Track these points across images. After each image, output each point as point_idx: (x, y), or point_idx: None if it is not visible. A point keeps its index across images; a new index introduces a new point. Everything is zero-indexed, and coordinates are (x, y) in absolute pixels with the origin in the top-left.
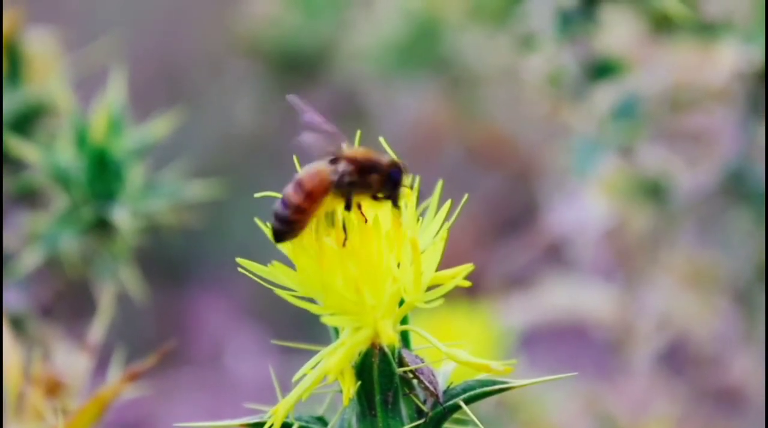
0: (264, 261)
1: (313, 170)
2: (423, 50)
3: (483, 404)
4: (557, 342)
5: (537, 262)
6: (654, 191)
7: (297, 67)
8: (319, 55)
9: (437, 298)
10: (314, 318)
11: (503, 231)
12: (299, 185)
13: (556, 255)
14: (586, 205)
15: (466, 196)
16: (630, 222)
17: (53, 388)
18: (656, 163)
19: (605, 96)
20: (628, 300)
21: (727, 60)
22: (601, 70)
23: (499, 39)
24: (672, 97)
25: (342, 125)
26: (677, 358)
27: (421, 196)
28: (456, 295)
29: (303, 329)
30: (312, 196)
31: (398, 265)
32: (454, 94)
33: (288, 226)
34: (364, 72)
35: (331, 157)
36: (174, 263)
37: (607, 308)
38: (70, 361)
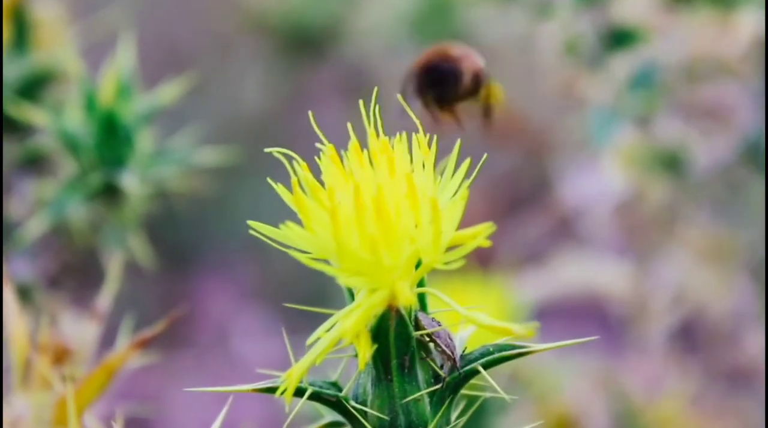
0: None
1: None
2: (435, 24)
3: (496, 377)
4: (571, 318)
5: (551, 237)
6: (671, 163)
7: (306, 44)
8: (328, 30)
9: (457, 259)
10: (320, 301)
11: (517, 207)
12: None
13: (570, 230)
14: (602, 176)
15: (483, 159)
16: (646, 195)
17: (61, 356)
18: (673, 135)
19: (622, 65)
20: (643, 275)
21: (745, 30)
22: (619, 38)
23: (512, 10)
24: (689, 67)
25: (352, 101)
26: (692, 335)
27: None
28: (470, 268)
29: (309, 312)
30: None
31: (416, 225)
32: None
33: None
34: (374, 47)
35: None
36: (180, 246)
37: (622, 283)
38: (78, 329)
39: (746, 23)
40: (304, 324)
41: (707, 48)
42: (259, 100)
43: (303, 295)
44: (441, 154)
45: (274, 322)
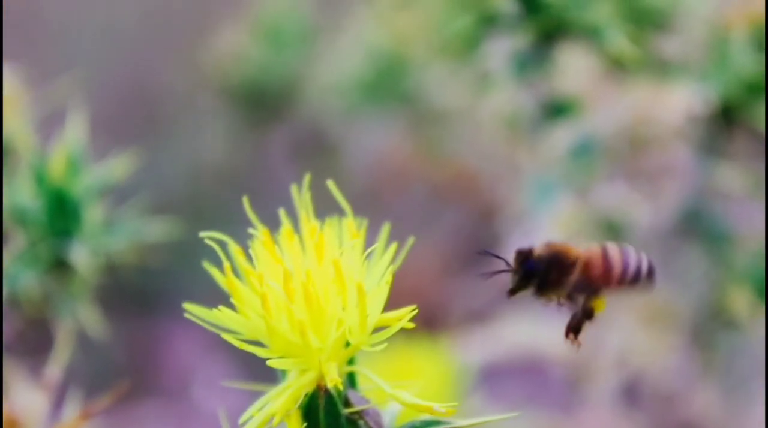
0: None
1: None
2: (388, 86)
3: None
4: (517, 379)
5: (498, 298)
6: (610, 229)
7: (263, 103)
8: (285, 90)
9: (382, 341)
10: None
11: (467, 266)
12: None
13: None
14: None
15: (410, 242)
16: None
17: (11, 427)
18: (613, 202)
19: (561, 135)
20: (587, 336)
21: (682, 100)
22: (557, 109)
23: (460, 77)
24: (629, 135)
25: (307, 161)
26: (636, 395)
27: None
28: (415, 334)
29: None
30: None
31: (343, 308)
32: (418, 131)
33: None
34: (329, 108)
35: None
36: (143, 295)
37: (566, 345)
38: (28, 400)
39: (682, 93)
40: (267, 373)
41: (646, 116)
42: (219, 156)
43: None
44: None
45: (237, 371)
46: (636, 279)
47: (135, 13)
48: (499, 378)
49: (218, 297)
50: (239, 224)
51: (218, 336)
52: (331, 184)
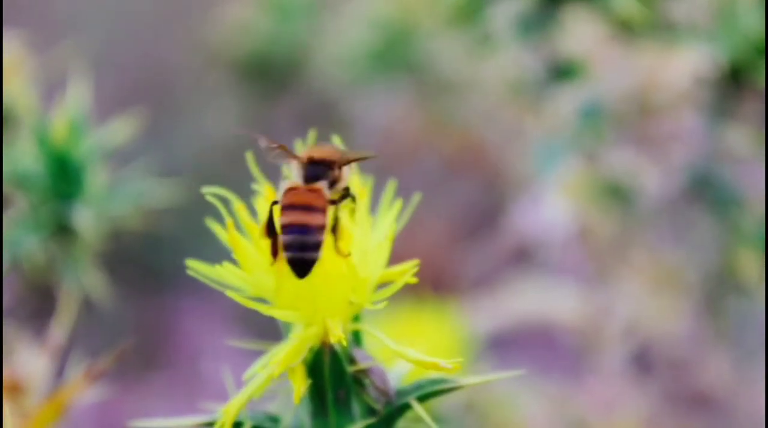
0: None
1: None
2: (395, 56)
3: (452, 407)
4: (526, 346)
5: (506, 265)
6: (619, 194)
7: (270, 75)
8: (292, 62)
9: (384, 299)
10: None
11: (476, 235)
12: (309, 206)
13: (525, 258)
14: (549, 208)
15: (416, 200)
16: (596, 225)
17: (13, 390)
18: (620, 167)
19: (568, 99)
20: (597, 303)
21: (690, 63)
22: (563, 73)
23: (465, 42)
24: (636, 99)
25: (316, 133)
26: (647, 361)
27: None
28: (424, 298)
29: (281, 336)
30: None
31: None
32: (426, 101)
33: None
34: (336, 79)
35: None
36: (153, 269)
37: (576, 311)
38: (31, 363)
39: (690, 55)
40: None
41: (653, 79)
42: (226, 129)
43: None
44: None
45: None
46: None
47: None
48: (508, 346)
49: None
50: (246, 196)
51: (227, 310)
52: (336, 139)
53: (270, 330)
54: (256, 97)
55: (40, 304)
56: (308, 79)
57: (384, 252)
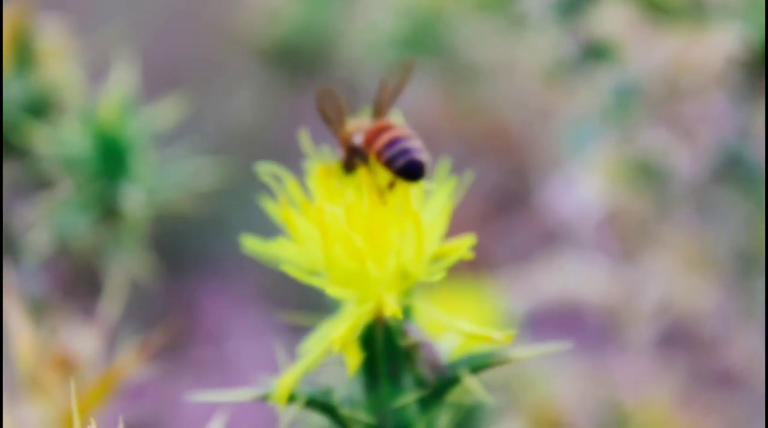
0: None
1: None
2: (422, 42)
3: (486, 385)
4: (558, 324)
5: (536, 246)
6: (652, 174)
7: (297, 61)
8: (319, 48)
9: (440, 272)
10: (318, 304)
11: (503, 218)
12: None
13: (554, 239)
14: (582, 188)
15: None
16: (627, 205)
17: (65, 366)
18: (652, 146)
19: (600, 80)
20: (627, 282)
21: (722, 43)
22: (596, 54)
23: (497, 25)
24: (667, 81)
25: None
26: (676, 339)
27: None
28: (457, 277)
29: (307, 314)
30: None
31: (401, 239)
32: (453, 85)
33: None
34: (363, 65)
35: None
36: (179, 251)
37: (606, 290)
38: (81, 340)
39: (722, 36)
40: (301, 327)
41: (685, 60)
42: (251, 116)
43: (300, 299)
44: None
45: (273, 325)
46: (398, 168)
47: None
48: (539, 325)
49: (249, 258)
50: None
51: (251, 292)
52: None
53: (292, 311)
54: (283, 83)
55: (87, 284)
56: (335, 66)
57: (441, 225)
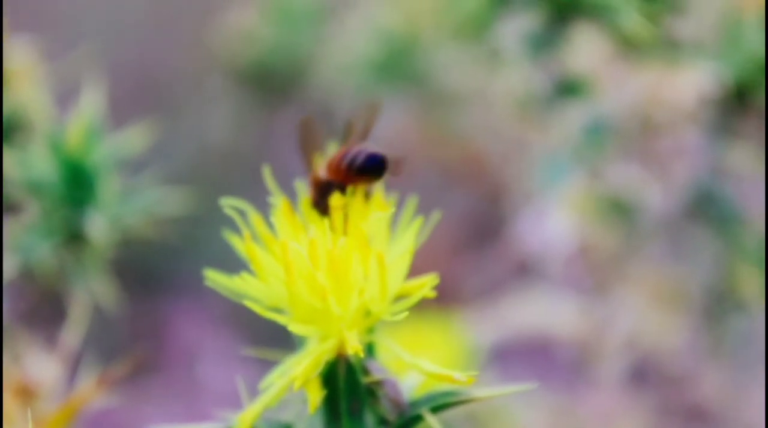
0: (237, 272)
1: None
2: (398, 67)
3: (452, 418)
4: (527, 358)
5: (507, 278)
6: (621, 210)
7: (272, 83)
8: (295, 70)
9: (403, 310)
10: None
11: (476, 248)
12: None
13: (525, 271)
14: (553, 222)
15: (437, 214)
16: (598, 239)
17: (25, 394)
18: (624, 182)
19: (573, 115)
20: (597, 316)
21: (695, 81)
22: (569, 89)
23: (472, 57)
24: (640, 116)
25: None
26: (645, 375)
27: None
28: (426, 310)
29: (278, 340)
30: None
31: (365, 277)
32: (428, 112)
33: None
34: (339, 88)
35: None
36: (148, 273)
37: (575, 324)
38: (42, 368)
39: (695, 73)
40: (272, 350)
41: (658, 96)
42: (227, 136)
43: (271, 323)
44: (404, 198)
45: (242, 350)
46: (359, 166)
47: None
48: (507, 358)
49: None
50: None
51: (222, 314)
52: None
53: (263, 334)
54: (257, 105)
55: (51, 310)
56: (310, 88)
57: (404, 264)
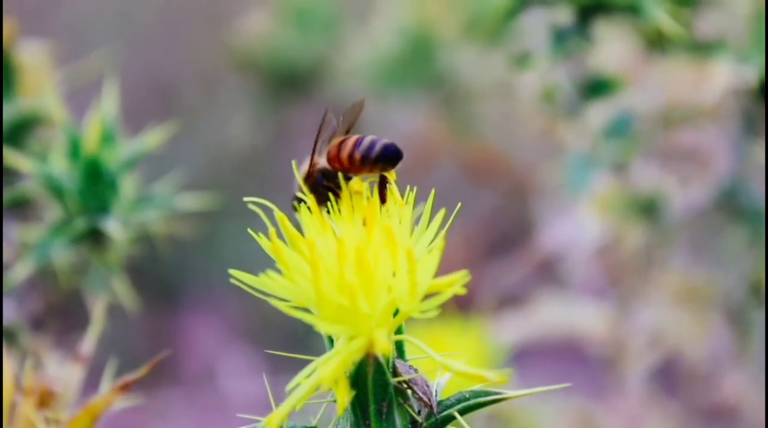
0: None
1: None
2: (417, 67)
3: (475, 418)
4: (550, 360)
5: (530, 279)
6: (647, 209)
7: (290, 83)
8: (313, 71)
9: (433, 308)
10: (306, 337)
11: (497, 249)
12: None
13: (549, 273)
14: (579, 222)
15: (458, 208)
16: (623, 239)
17: (45, 399)
18: (649, 181)
19: (599, 113)
20: (621, 318)
21: (721, 78)
22: (595, 87)
23: (493, 56)
24: (665, 114)
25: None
26: (670, 376)
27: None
28: (449, 312)
29: (295, 348)
30: None
31: (393, 275)
32: (447, 111)
33: None
34: (357, 89)
35: None
36: (166, 283)
37: (600, 325)
38: (62, 372)
39: (720, 72)
40: (288, 362)
41: (683, 95)
42: (245, 137)
43: (289, 331)
44: (422, 196)
45: (260, 359)
46: (376, 155)
47: None
48: (532, 359)
49: (236, 290)
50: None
51: (239, 325)
52: None
53: (278, 345)
54: (275, 106)
55: (69, 311)
56: (329, 89)
57: (434, 260)
